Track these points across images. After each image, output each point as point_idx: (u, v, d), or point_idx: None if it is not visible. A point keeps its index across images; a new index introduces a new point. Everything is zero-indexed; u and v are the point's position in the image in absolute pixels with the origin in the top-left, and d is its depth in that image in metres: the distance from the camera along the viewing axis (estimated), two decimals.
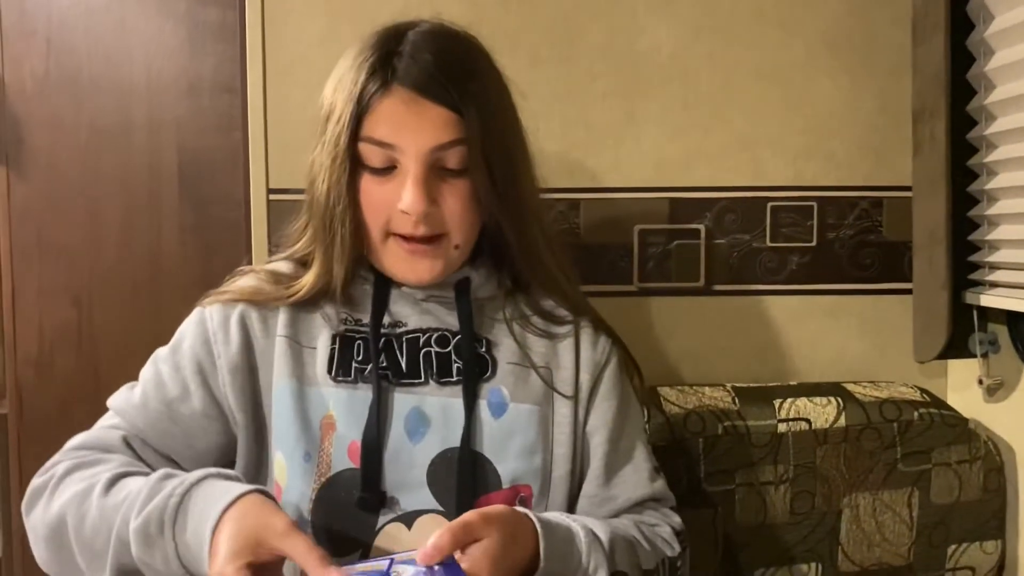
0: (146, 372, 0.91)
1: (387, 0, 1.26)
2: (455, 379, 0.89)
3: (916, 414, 1.18)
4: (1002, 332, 1.21)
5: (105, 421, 0.90)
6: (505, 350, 0.92)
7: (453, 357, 0.90)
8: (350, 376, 0.88)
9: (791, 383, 1.28)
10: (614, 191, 1.31)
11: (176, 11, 1.46)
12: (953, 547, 1.20)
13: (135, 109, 1.48)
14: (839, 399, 1.19)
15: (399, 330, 0.91)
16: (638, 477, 0.92)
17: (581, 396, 0.92)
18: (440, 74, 0.84)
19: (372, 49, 0.86)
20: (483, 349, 0.91)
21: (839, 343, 1.34)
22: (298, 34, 1.29)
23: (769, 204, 1.32)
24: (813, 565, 1.18)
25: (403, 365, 0.89)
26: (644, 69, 1.31)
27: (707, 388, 1.25)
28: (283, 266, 0.95)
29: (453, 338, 0.91)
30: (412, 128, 0.83)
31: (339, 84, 0.87)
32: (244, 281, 0.93)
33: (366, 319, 0.90)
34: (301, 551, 0.69)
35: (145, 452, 0.86)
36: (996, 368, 1.22)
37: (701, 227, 1.31)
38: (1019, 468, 1.20)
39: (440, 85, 0.84)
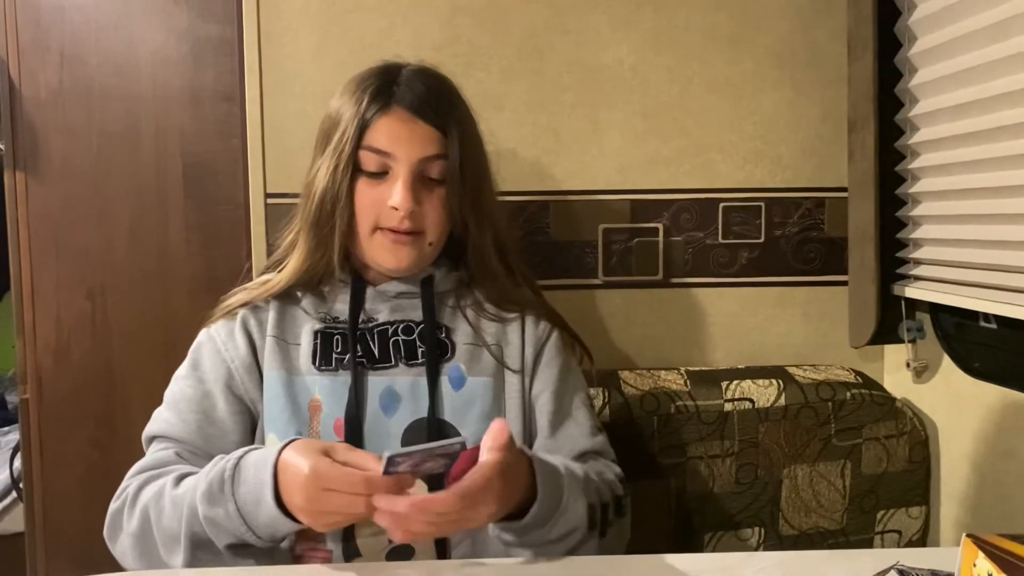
0: (172, 392, 1.04)
1: (373, 19, 1.39)
2: (420, 361, 1.04)
3: (849, 394, 1.31)
4: (927, 321, 1.34)
5: (152, 448, 1.01)
6: (461, 334, 1.07)
7: (418, 343, 1.05)
8: (331, 365, 1.03)
9: (739, 367, 1.41)
10: (581, 193, 1.43)
11: (179, 27, 1.57)
12: (882, 512, 1.33)
13: (143, 117, 1.59)
14: (780, 381, 1.32)
15: (371, 324, 1.06)
16: (580, 432, 1.06)
17: (526, 368, 1.08)
18: (431, 100, 1.02)
19: (374, 78, 1.03)
20: (443, 335, 1.06)
21: (785, 330, 1.46)
22: (292, 50, 1.39)
23: (721, 204, 1.44)
24: (756, 529, 1.32)
25: (375, 352, 1.04)
26: (608, 81, 1.42)
27: (663, 372, 1.38)
28: (267, 275, 1.11)
29: (417, 327, 1.06)
30: (406, 140, 1.00)
31: (342, 107, 1.04)
32: (235, 297, 1.09)
33: (341, 317, 1.06)
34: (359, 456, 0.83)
35: (195, 460, 0.98)
36: (922, 353, 1.35)
37: (659, 226, 1.43)
38: (941, 442, 1.33)
39: (431, 109, 1.02)
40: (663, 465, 1.29)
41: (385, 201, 1.00)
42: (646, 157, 1.43)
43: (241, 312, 1.06)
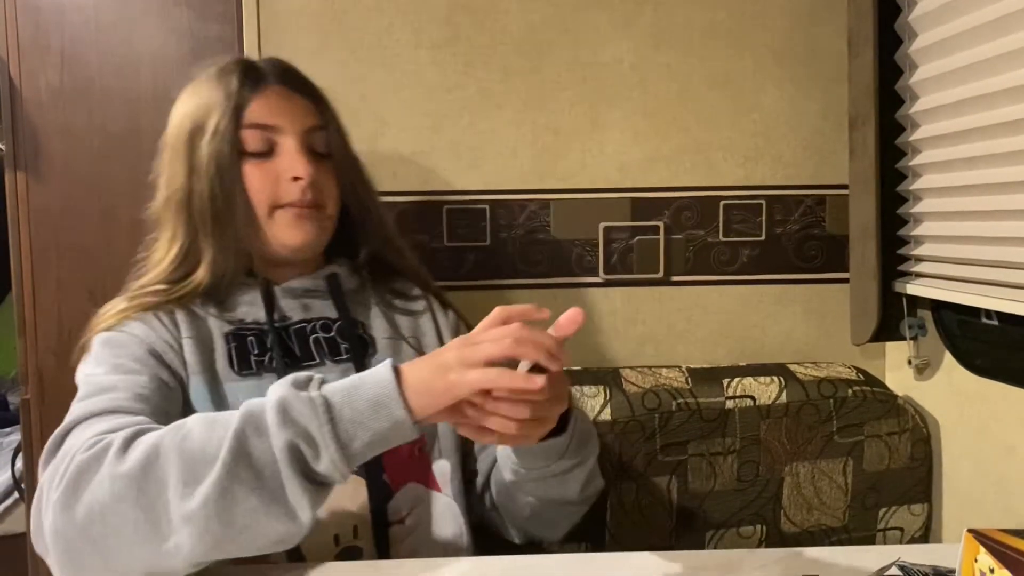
0: (105, 379, 0.88)
1: (372, 19, 1.39)
2: (345, 357, 1.03)
3: (850, 391, 1.31)
4: (928, 318, 1.34)
5: (98, 421, 0.83)
6: (379, 328, 1.08)
7: (339, 340, 1.04)
8: (252, 368, 0.99)
9: (741, 364, 1.40)
10: (581, 191, 1.42)
11: (179, 26, 1.57)
12: (884, 510, 1.33)
13: (143, 117, 1.59)
14: (781, 378, 1.32)
15: (287, 323, 1.03)
16: None
17: None
18: (299, 76, 1.07)
19: (233, 66, 1.03)
20: (361, 331, 1.07)
21: (786, 328, 1.46)
22: (291, 48, 1.38)
23: (722, 202, 1.44)
24: (758, 527, 1.32)
25: (297, 351, 1.02)
26: (607, 79, 1.41)
27: (664, 369, 1.37)
28: (161, 286, 1.01)
29: (334, 324, 1.05)
30: (288, 112, 1.01)
31: (205, 100, 1.01)
32: (137, 301, 0.99)
33: (248, 319, 1.01)
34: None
35: None
36: (924, 350, 1.35)
37: (660, 224, 1.43)
38: (943, 439, 1.32)
39: (302, 83, 1.06)
40: (664, 462, 1.29)
41: (280, 176, 0.99)
42: (646, 155, 1.43)
43: (150, 312, 0.97)
